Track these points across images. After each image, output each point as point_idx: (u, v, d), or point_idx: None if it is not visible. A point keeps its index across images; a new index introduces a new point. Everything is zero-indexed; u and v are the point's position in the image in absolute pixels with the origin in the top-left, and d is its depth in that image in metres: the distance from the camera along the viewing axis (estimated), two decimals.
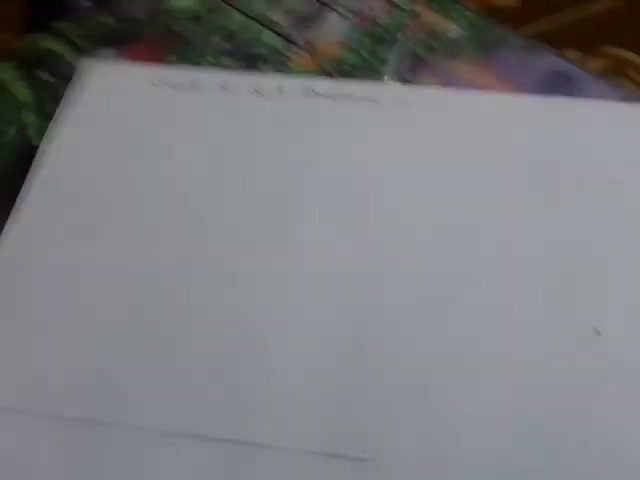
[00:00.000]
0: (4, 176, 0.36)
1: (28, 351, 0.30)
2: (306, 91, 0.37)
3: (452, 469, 0.27)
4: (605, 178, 0.33)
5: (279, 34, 0.40)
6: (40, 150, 0.36)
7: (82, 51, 0.40)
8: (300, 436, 0.27)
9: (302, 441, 0.27)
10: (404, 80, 0.38)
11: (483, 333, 0.29)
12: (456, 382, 0.28)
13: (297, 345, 0.30)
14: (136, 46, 0.40)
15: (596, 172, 0.33)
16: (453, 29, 0.40)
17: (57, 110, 0.37)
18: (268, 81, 0.38)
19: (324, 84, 0.38)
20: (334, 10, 0.41)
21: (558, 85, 0.38)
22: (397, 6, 0.41)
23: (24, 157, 0.36)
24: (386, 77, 0.38)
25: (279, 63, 0.39)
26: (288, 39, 0.40)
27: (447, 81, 0.38)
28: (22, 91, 0.39)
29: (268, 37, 0.40)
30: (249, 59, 0.39)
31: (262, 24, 0.40)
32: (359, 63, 0.39)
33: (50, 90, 0.38)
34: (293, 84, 0.38)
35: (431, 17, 0.40)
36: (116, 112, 0.38)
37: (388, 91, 0.37)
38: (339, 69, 0.39)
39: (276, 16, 0.41)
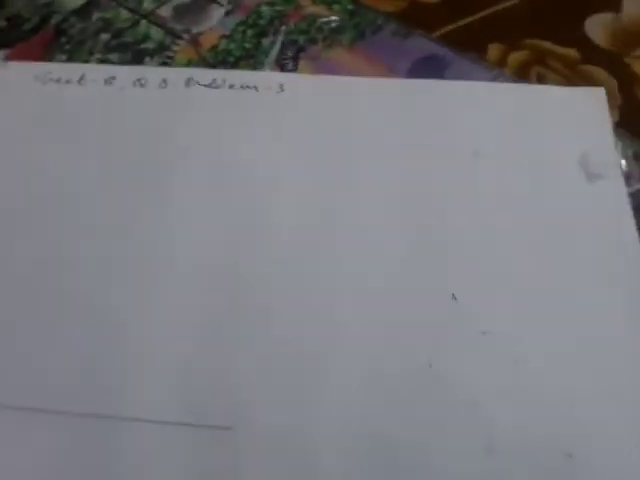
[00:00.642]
0: None
1: None
2: (189, 82, 0.39)
3: (315, 435, 0.28)
4: (467, 152, 0.35)
5: (164, 28, 0.41)
6: None
7: None
8: (161, 407, 0.28)
9: (164, 412, 0.28)
10: (285, 69, 0.39)
11: (342, 302, 0.31)
12: (316, 350, 0.29)
13: (157, 316, 0.30)
14: (25, 46, 0.41)
15: (459, 147, 0.35)
16: (333, 18, 0.41)
17: None
18: (152, 74, 0.39)
19: (206, 75, 0.39)
20: (216, 2, 0.42)
21: (431, 68, 0.39)
22: None
23: None
24: (267, 67, 0.39)
25: (164, 57, 0.40)
26: (172, 33, 0.41)
27: (326, 68, 0.39)
28: None
29: (154, 32, 0.41)
30: (136, 54, 0.40)
31: (148, 20, 0.41)
32: (241, 54, 0.40)
33: None
34: (176, 76, 0.39)
35: (312, 7, 0.42)
36: (3, 110, 0.39)
37: (266, 79, 0.39)
38: (222, 60, 0.40)
39: (160, 10, 0.42)
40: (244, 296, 0.31)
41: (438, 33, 0.41)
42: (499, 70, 0.39)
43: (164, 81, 0.39)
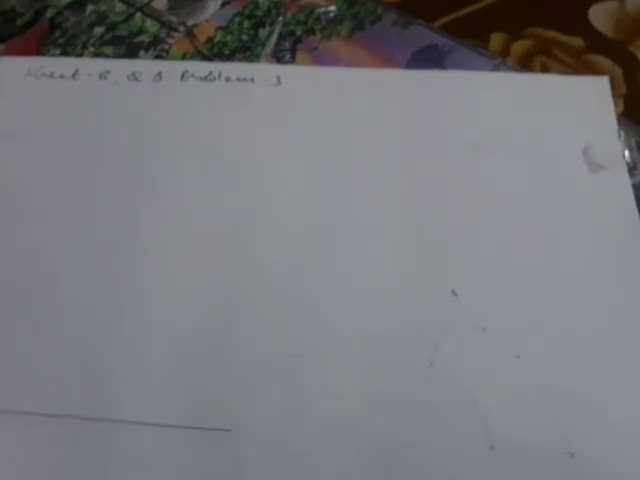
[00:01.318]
0: None
1: None
2: (184, 75, 0.38)
3: (314, 437, 0.27)
4: (469, 143, 0.34)
5: (159, 21, 0.40)
6: None
7: None
8: (160, 410, 0.28)
9: (162, 415, 0.28)
10: (283, 61, 0.39)
11: (342, 300, 0.30)
12: (315, 349, 0.29)
13: (155, 319, 0.30)
14: (19, 40, 0.41)
15: (460, 138, 0.34)
16: (332, 9, 0.41)
17: None
18: (148, 67, 0.38)
19: (202, 67, 0.38)
20: None
21: (431, 58, 0.38)
22: None
23: None
24: (264, 58, 0.39)
25: (159, 50, 0.40)
26: (167, 25, 0.40)
27: (324, 60, 0.39)
28: None
29: (148, 25, 0.41)
30: (130, 48, 0.40)
31: (142, 12, 0.41)
32: (237, 46, 0.39)
33: None
34: (172, 69, 0.38)
35: None
36: None
37: (263, 71, 0.38)
38: (218, 52, 0.39)
39: (155, 2, 0.41)
40: (242, 298, 0.30)
41: (439, 23, 0.41)
42: (501, 60, 0.38)
43: (159, 74, 0.38)
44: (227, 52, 0.39)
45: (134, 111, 0.37)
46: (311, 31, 0.40)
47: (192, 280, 0.31)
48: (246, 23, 0.40)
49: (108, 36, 0.40)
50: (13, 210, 0.34)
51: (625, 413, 0.27)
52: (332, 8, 0.40)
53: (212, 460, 0.27)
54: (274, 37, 0.40)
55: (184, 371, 0.29)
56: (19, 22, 0.41)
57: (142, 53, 0.40)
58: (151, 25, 0.40)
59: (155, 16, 0.41)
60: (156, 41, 0.40)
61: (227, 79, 0.38)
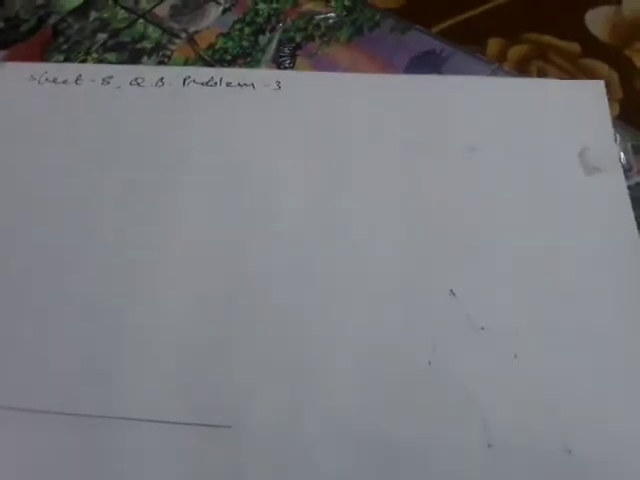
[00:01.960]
0: None
1: None
2: (186, 80, 0.38)
3: (314, 434, 0.27)
4: (467, 146, 0.34)
5: (161, 27, 0.41)
6: None
7: None
8: (161, 407, 0.28)
9: (163, 412, 0.28)
10: (283, 66, 0.39)
11: (341, 300, 0.30)
12: (315, 348, 0.29)
13: (157, 316, 0.30)
14: (23, 47, 0.41)
15: (458, 142, 0.35)
16: (331, 15, 0.41)
17: None
18: (150, 73, 0.39)
19: (203, 73, 0.39)
20: (213, 0, 0.42)
21: (429, 64, 0.39)
22: None
23: None
24: (264, 64, 0.39)
25: (161, 56, 0.40)
26: (169, 32, 0.41)
27: (323, 65, 0.39)
28: None
29: (151, 31, 0.41)
30: (133, 54, 0.40)
31: (145, 19, 0.41)
32: (239, 51, 0.40)
33: None
34: (174, 74, 0.39)
35: (309, 4, 0.42)
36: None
37: (263, 77, 0.38)
38: (219, 58, 0.40)
39: (157, 9, 0.42)
40: (243, 298, 0.31)
41: (437, 29, 0.41)
42: (498, 65, 0.39)
43: (161, 80, 0.39)
44: (228, 58, 0.40)
45: (137, 116, 0.38)
46: (310, 37, 0.40)
47: (194, 280, 0.31)
48: (247, 30, 0.41)
49: (111, 42, 0.41)
50: (18, 213, 0.34)
51: (622, 410, 0.27)
52: (331, 15, 0.41)
53: (212, 456, 0.27)
54: (274, 43, 0.40)
55: (186, 368, 0.29)
56: (23, 28, 0.42)
57: (145, 59, 0.40)
58: (153, 32, 0.41)
59: (157, 23, 0.41)
60: (158, 47, 0.40)
61: (228, 84, 0.38)
